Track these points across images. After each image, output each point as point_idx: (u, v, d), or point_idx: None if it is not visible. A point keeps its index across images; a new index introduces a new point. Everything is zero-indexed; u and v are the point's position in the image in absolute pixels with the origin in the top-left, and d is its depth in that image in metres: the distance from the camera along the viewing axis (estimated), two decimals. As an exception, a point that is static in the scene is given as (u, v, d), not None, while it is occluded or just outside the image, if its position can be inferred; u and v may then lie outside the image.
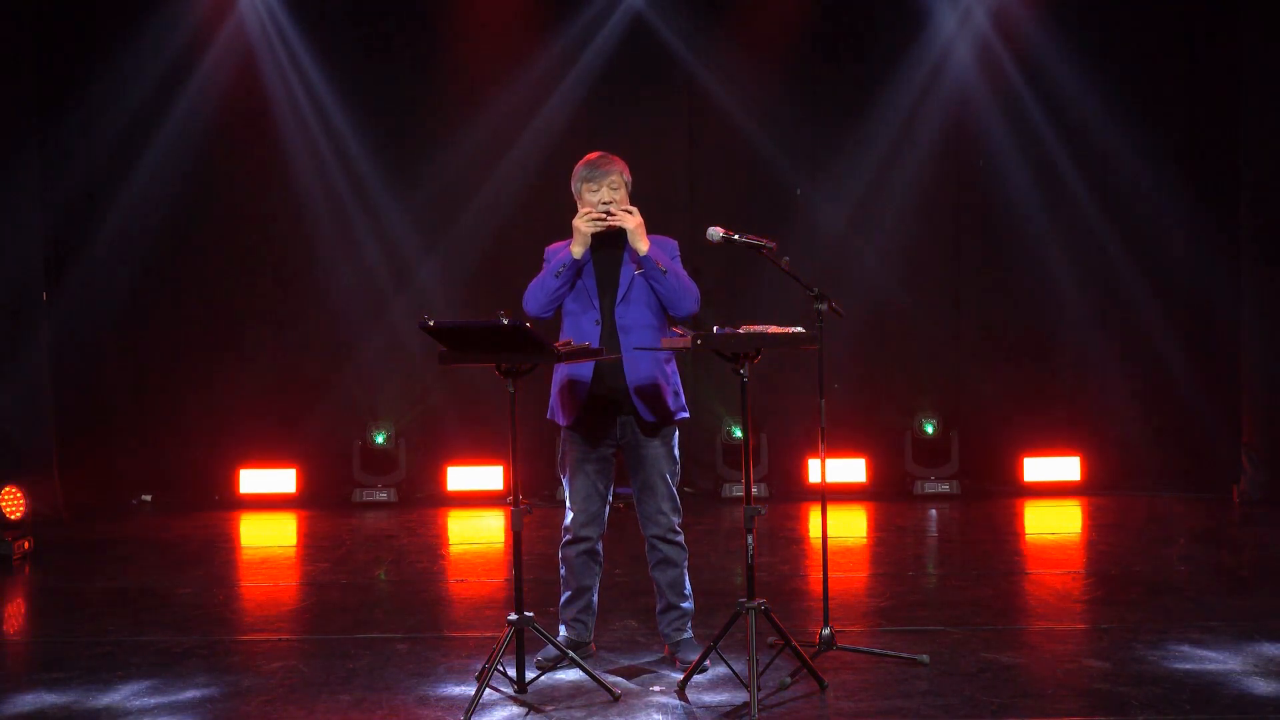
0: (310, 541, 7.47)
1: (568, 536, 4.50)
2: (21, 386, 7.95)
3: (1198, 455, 8.41)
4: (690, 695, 4.17)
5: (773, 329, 3.99)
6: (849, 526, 7.57)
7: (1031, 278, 8.66)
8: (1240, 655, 4.46)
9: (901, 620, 5.13)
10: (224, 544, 7.45)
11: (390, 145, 8.72)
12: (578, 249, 4.33)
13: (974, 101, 8.59)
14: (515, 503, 4.19)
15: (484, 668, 4.21)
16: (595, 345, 4.26)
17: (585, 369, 4.37)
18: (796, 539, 7.21)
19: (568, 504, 4.51)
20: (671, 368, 4.49)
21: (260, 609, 5.81)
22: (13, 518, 6.75)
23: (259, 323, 8.80)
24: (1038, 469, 8.50)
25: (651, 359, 4.37)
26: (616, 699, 4.13)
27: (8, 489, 6.78)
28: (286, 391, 8.75)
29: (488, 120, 8.56)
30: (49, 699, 4.24)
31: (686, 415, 4.51)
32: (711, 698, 4.14)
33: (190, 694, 4.27)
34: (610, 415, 4.42)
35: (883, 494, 8.45)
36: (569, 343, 4.14)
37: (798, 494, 8.37)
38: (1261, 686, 4.13)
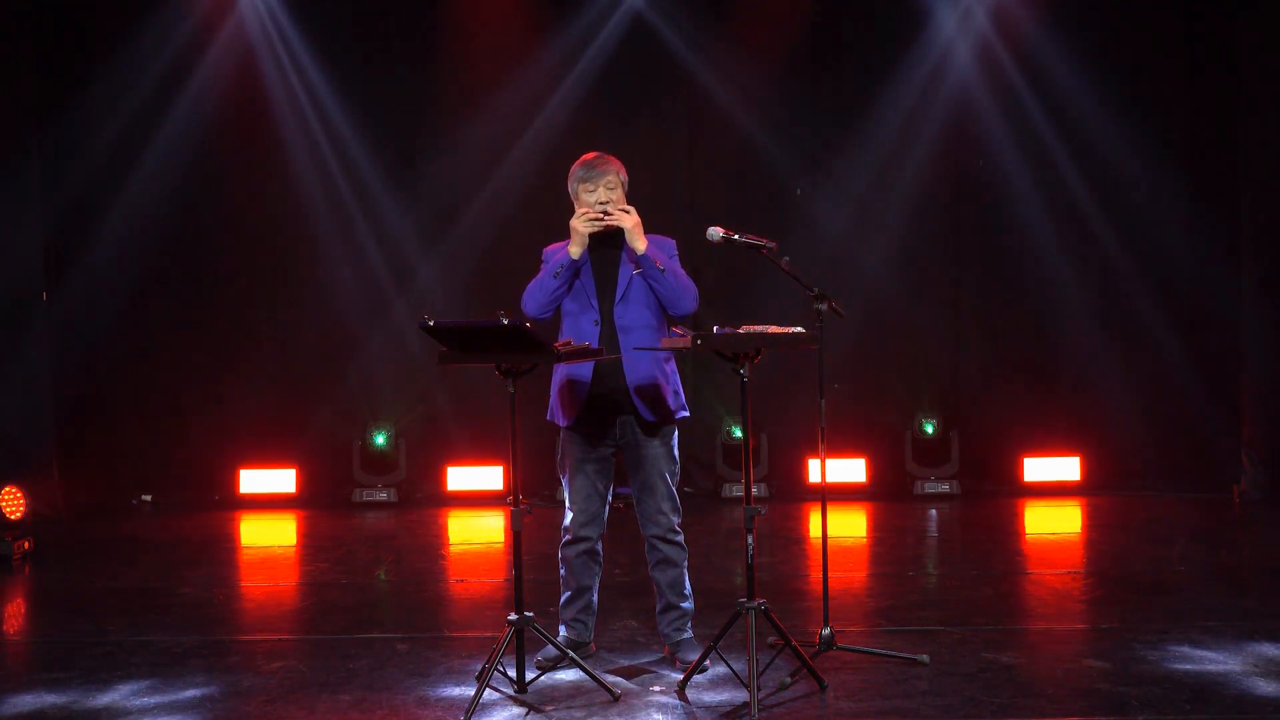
0: (310, 541, 7.47)
1: (567, 536, 4.50)
2: (21, 386, 7.97)
3: (1198, 455, 8.41)
4: (690, 695, 4.17)
5: (773, 329, 3.98)
6: (849, 526, 7.57)
7: (1031, 278, 8.66)
8: (1240, 655, 4.46)
9: (901, 620, 5.13)
10: (224, 544, 7.45)
11: (390, 145, 8.72)
12: (575, 249, 4.33)
13: (974, 101, 8.59)
14: (515, 503, 4.19)
15: (484, 668, 4.21)
16: (595, 345, 4.25)
17: (585, 369, 4.37)
18: (796, 539, 7.21)
19: (567, 504, 4.51)
20: (671, 367, 4.49)
21: (260, 609, 5.81)
22: (13, 518, 6.75)
23: (259, 322, 8.80)
24: (1038, 469, 8.50)
25: (651, 359, 4.37)
26: (616, 699, 4.13)
27: (8, 489, 6.79)
28: (286, 392, 8.75)
29: (488, 120, 8.56)
30: (49, 699, 4.24)
31: (686, 415, 4.51)
32: (711, 698, 4.14)
33: (190, 694, 4.27)
34: (610, 415, 4.42)
35: (883, 494, 8.45)
36: (569, 343, 4.13)
37: (798, 494, 8.37)
38: (1261, 686, 4.13)
